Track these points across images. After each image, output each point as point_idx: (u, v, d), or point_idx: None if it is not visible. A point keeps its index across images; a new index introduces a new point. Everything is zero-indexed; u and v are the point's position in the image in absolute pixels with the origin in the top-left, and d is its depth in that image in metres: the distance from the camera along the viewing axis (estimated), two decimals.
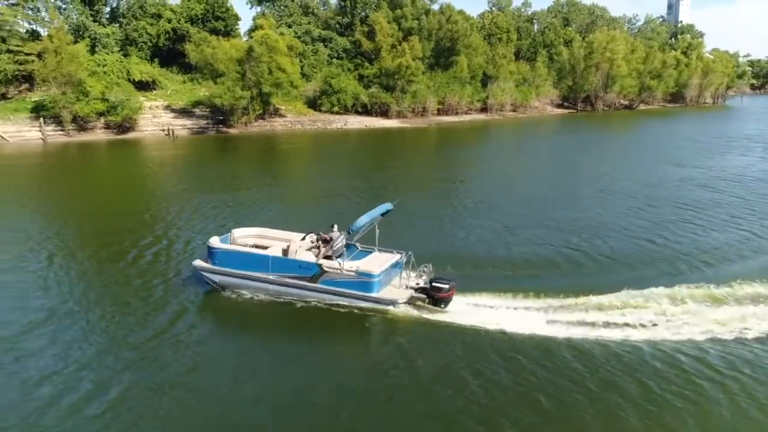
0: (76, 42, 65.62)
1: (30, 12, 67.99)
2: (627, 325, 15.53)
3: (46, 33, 65.68)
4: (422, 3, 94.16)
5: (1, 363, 14.06)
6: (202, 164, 48.73)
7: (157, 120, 68.42)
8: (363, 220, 17.08)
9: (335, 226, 18.13)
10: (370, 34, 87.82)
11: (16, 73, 63.99)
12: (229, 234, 19.34)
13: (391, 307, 16.44)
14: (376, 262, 17.17)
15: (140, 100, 66.34)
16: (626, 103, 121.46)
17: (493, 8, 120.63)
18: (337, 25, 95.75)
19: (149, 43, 75.95)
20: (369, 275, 16.45)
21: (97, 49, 68.45)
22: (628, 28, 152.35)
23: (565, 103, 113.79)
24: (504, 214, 28.98)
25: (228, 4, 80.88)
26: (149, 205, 32.26)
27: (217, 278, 17.99)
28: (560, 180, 40.31)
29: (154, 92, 73.75)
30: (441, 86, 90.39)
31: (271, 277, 17.19)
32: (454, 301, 16.69)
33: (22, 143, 58.97)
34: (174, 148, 58.41)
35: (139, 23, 74.97)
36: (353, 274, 16.53)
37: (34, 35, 67.19)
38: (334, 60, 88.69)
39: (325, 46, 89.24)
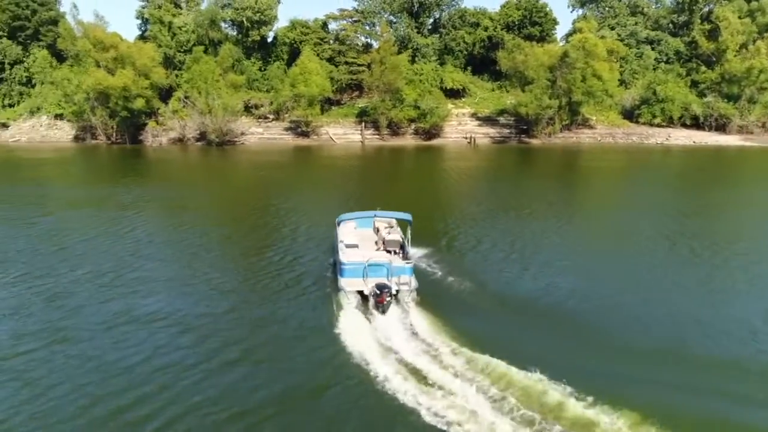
0: (399, 53, 70.65)
1: (368, 27, 75.94)
2: None
3: (377, 45, 72.39)
4: None
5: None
6: (496, 176, 46.44)
7: (461, 128, 69.25)
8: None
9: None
10: (712, 33, 73.59)
11: (350, 81, 72.07)
12: None
13: None
14: None
15: (448, 108, 67.93)
16: None
17: None
18: (670, 25, 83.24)
19: (465, 52, 77.61)
20: None
21: (416, 58, 72.65)
22: None
23: None
24: None
25: (547, 9, 77.29)
26: (443, 213, 31.06)
27: None
28: None
29: (463, 100, 74.97)
30: None
31: None
32: None
33: (346, 144, 66.03)
34: (473, 156, 57.83)
35: (457, 33, 77.15)
36: None
37: (367, 48, 74.74)
38: (661, 64, 77.12)
39: (652, 49, 78.31)
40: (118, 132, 66.57)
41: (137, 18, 78.48)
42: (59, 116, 72.43)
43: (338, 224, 21.08)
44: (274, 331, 16.81)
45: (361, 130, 67.88)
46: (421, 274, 20.15)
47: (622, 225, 29.52)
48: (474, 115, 71.81)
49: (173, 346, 15.67)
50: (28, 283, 20.80)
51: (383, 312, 17.05)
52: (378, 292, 17.17)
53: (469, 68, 78.27)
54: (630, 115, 71.73)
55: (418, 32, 74.47)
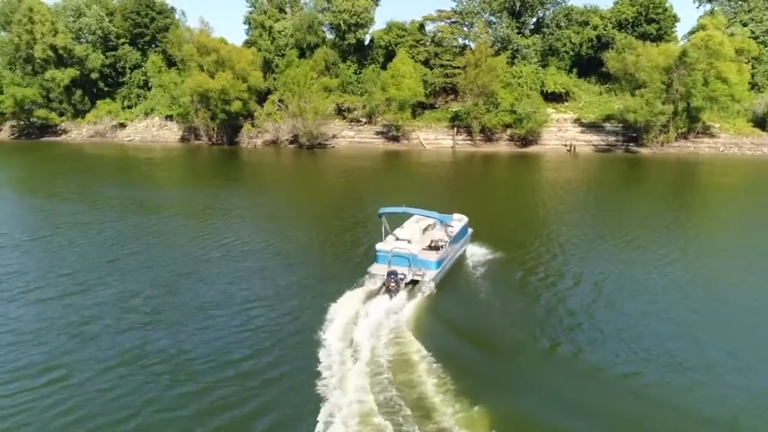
0: (497, 54, 67.20)
1: (465, 28, 73.03)
2: None
3: (474, 47, 69.30)
4: None
5: None
6: (596, 192, 41.52)
7: (561, 134, 64.45)
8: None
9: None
10: None
11: (444, 84, 69.69)
12: None
13: None
14: None
15: (547, 113, 63.42)
16: None
17: None
18: None
19: (571, 53, 72.44)
20: None
21: (516, 60, 68.69)
22: None
23: None
24: None
25: (666, 4, 69.92)
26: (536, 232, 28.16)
27: None
28: None
29: (566, 104, 69.90)
30: None
31: None
32: None
33: (436, 150, 63.80)
34: (571, 166, 53.31)
35: (563, 32, 72.14)
36: None
37: (463, 50, 71.79)
38: None
39: None
40: (218, 133, 69.31)
41: (244, 23, 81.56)
42: (169, 117, 76.94)
43: (380, 216, 22.84)
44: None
45: (453, 136, 65.31)
46: (464, 287, 21.60)
47: (759, 263, 24.24)
48: (577, 121, 66.58)
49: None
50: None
51: (390, 295, 19.42)
52: (386, 277, 19.95)
53: (575, 70, 72.95)
54: (762, 123, 62.86)
55: (519, 32, 70.38)
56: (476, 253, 25.01)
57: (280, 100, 67.68)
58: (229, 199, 39.29)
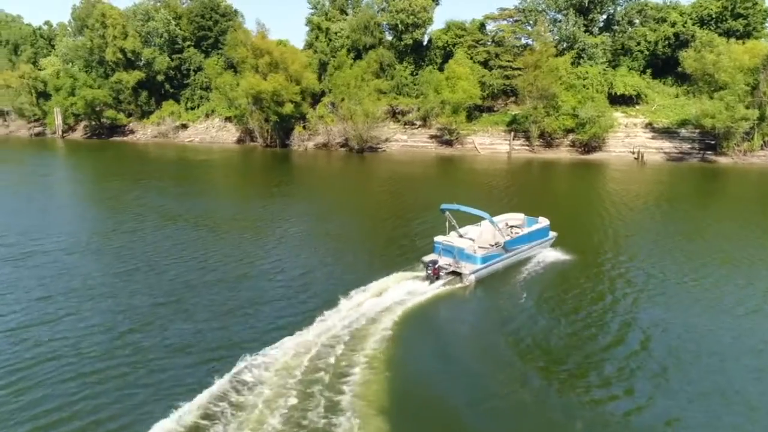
0: (562, 54, 62.95)
1: (529, 27, 69.02)
2: None
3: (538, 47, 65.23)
4: None
5: None
6: (664, 209, 36.69)
7: (630, 140, 59.35)
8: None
9: None
10: None
11: (503, 87, 66.14)
12: None
13: None
14: None
15: (613, 117, 58.54)
16: None
17: None
18: None
19: (645, 52, 66.86)
20: None
21: (582, 60, 64.02)
22: None
23: None
24: None
25: None
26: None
27: None
28: None
29: (637, 107, 64.47)
30: None
31: None
32: None
33: (491, 156, 60.49)
34: (638, 177, 48.70)
35: (637, 30, 66.71)
36: None
37: (528, 49, 67.88)
38: None
39: None
40: (271, 135, 69.21)
41: (306, 25, 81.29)
42: (228, 119, 77.92)
43: (443, 212, 24.61)
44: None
45: (510, 141, 61.70)
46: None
47: None
48: (648, 126, 61.13)
49: None
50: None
51: (429, 281, 22.21)
52: (428, 265, 22.42)
53: (649, 71, 67.24)
54: None
55: (586, 30, 65.56)
56: (548, 258, 25.38)
57: (332, 103, 66.59)
58: (280, 207, 38.41)
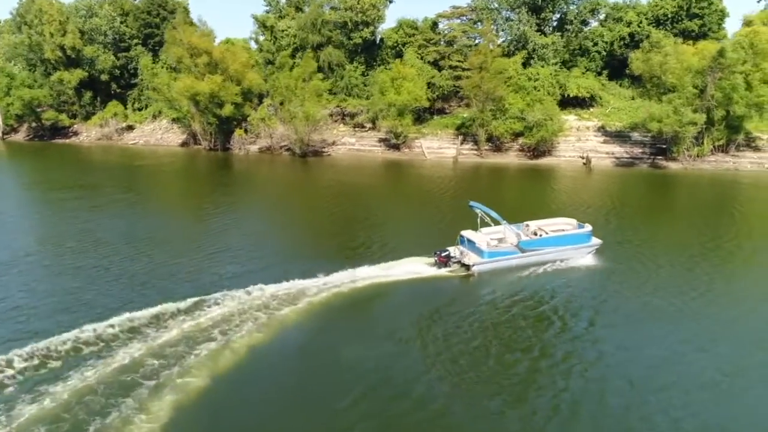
0: (513, 54, 60.60)
1: (479, 26, 66.45)
2: None
3: (492, 47, 62.66)
4: None
5: None
6: (604, 218, 34.63)
7: (581, 144, 57.14)
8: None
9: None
10: None
11: (453, 88, 63.61)
12: None
13: None
14: None
15: (561, 120, 56.22)
16: None
17: None
18: None
19: (603, 52, 64.72)
20: None
21: (532, 61, 61.65)
22: None
23: None
24: None
25: None
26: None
27: None
28: None
29: (591, 110, 62.33)
30: None
31: None
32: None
33: (438, 161, 57.90)
34: (584, 183, 46.43)
35: (594, 30, 64.58)
36: None
37: (474, 50, 65.21)
38: None
39: None
40: (214, 138, 66.10)
41: (255, 23, 78.06)
42: (176, 120, 74.58)
43: (471, 207, 27.18)
44: None
45: (457, 145, 59.22)
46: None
47: None
48: (601, 129, 58.98)
49: None
50: None
51: (438, 266, 25.42)
52: (437, 252, 25.69)
53: (605, 72, 65.17)
54: None
55: (539, 30, 63.21)
56: (573, 264, 26.19)
57: (272, 105, 63.66)
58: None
